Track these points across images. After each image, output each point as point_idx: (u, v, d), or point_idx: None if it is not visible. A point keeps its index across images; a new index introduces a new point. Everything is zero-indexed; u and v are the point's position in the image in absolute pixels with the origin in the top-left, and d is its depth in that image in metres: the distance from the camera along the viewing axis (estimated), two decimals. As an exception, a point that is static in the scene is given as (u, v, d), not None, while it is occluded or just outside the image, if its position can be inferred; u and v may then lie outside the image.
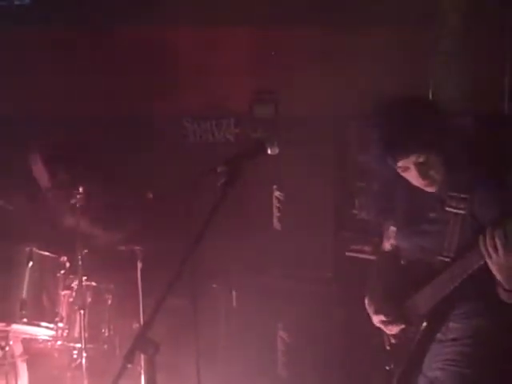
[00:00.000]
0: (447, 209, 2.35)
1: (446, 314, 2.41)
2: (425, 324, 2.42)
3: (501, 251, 2.08)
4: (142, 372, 3.65)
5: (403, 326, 2.48)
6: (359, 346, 3.58)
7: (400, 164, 2.31)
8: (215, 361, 3.91)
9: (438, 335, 2.45)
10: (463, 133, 2.57)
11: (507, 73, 3.71)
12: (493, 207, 2.25)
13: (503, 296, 2.27)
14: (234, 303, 4.11)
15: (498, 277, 2.18)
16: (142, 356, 1.89)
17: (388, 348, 2.57)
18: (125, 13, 4.53)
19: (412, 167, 2.31)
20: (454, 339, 2.43)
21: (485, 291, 2.31)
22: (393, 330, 2.51)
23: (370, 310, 2.57)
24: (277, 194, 4.01)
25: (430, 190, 2.38)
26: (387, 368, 2.54)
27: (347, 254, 3.79)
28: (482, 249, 2.13)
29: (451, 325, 2.43)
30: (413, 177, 2.35)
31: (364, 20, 3.93)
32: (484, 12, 3.69)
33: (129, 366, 1.86)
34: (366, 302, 2.60)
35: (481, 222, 2.26)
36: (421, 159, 2.29)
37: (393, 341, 2.54)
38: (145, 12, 4.45)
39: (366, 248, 3.70)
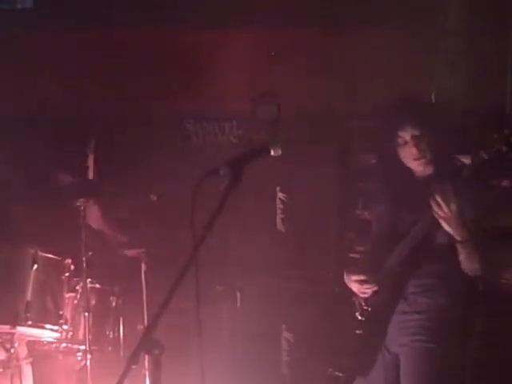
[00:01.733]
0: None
1: (408, 273, 2.64)
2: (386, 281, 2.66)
3: (442, 205, 2.43)
4: (147, 374, 3.66)
5: (376, 288, 2.69)
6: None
7: (400, 134, 2.66)
8: (220, 361, 3.91)
9: (402, 306, 2.65)
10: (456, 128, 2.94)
11: (509, 73, 3.72)
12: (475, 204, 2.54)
13: (464, 260, 2.54)
14: (238, 304, 4.12)
15: (449, 230, 2.49)
16: (147, 357, 1.90)
17: (360, 317, 2.79)
18: (128, 14, 4.55)
19: (409, 140, 2.65)
20: (417, 312, 2.63)
21: (447, 270, 2.60)
22: (367, 290, 2.72)
23: (348, 272, 2.79)
24: (280, 195, 4.02)
25: (420, 170, 2.70)
26: (357, 332, 2.78)
27: (351, 255, 3.80)
28: (434, 210, 2.46)
29: (415, 297, 2.64)
30: (408, 154, 2.68)
31: (365, 21, 3.94)
32: (485, 12, 3.70)
33: (133, 367, 1.87)
34: (344, 273, 2.80)
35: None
36: (416, 132, 2.64)
37: (365, 307, 2.75)
38: (148, 13, 4.47)
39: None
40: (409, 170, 2.74)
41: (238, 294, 4.11)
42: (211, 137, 4.62)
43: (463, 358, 2.66)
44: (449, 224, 2.48)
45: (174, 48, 4.51)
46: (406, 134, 2.67)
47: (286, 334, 3.98)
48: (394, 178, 2.78)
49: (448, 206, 2.43)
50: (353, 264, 2.94)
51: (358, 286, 2.75)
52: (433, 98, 3.92)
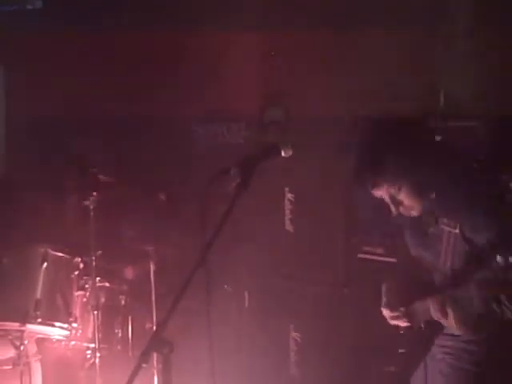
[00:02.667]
0: (441, 226, 2.36)
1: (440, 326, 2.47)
2: (422, 326, 2.51)
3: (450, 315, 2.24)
4: (155, 372, 3.68)
5: (408, 324, 2.55)
6: (370, 347, 3.59)
7: (374, 193, 2.32)
8: (228, 361, 3.92)
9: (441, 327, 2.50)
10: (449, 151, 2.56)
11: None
12: (482, 232, 2.23)
13: None
14: (247, 304, 4.13)
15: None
16: (156, 356, 1.91)
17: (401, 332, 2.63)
18: (137, 16, 4.56)
19: (386, 198, 2.32)
20: (453, 335, 2.48)
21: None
22: (399, 324, 2.58)
23: (382, 300, 2.63)
24: (289, 196, 4.02)
25: (413, 214, 2.39)
26: (400, 351, 2.63)
27: (359, 255, 3.80)
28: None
29: None
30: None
31: (370, 21, 3.93)
32: (492, 12, 3.69)
33: (144, 365, 1.88)
34: (382, 290, 2.64)
35: (473, 243, 2.27)
36: (392, 190, 2.28)
37: (402, 332, 2.62)
38: (159, 15, 4.49)
39: (379, 250, 3.70)
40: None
41: (246, 294, 4.12)
42: (219, 138, 4.63)
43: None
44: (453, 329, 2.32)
45: (183, 49, 4.52)
46: (380, 193, 2.33)
47: (293, 334, 3.98)
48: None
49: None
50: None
51: (389, 319, 2.59)
52: (441, 99, 3.91)
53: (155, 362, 3.52)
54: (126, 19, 4.59)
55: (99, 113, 4.49)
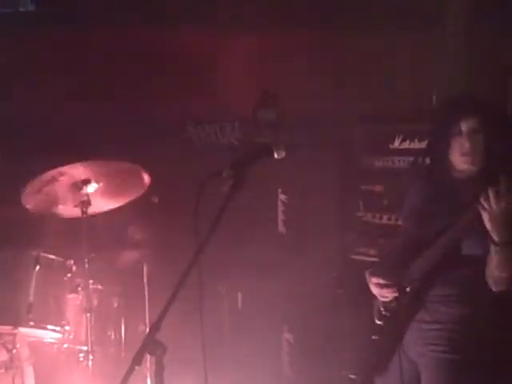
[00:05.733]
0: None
1: (432, 282, 2.55)
2: (408, 289, 2.58)
3: (492, 199, 2.30)
4: (148, 374, 3.67)
5: (396, 294, 2.61)
6: (364, 347, 3.59)
7: (458, 123, 2.56)
8: (221, 362, 3.92)
9: (423, 315, 2.56)
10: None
11: (510, 74, 3.72)
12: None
13: (492, 268, 2.42)
14: (240, 305, 4.13)
15: (490, 228, 2.36)
16: (149, 358, 1.91)
17: (378, 322, 2.71)
18: (128, 15, 4.56)
19: (465, 132, 2.56)
20: (438, 321, 2.54)
21: (472, 281, 2.48)
22: (387, 295, 2.64)
23: (370, 274, 2.70)
24: (282, 197, 4.02)
25: (465, 169, 2.58)
26: (372, 337, 2.71)
27: (352, 256, 3.80)
28: (481, 204, 2.34)
29: (437, 306, 2.55)
30: (459, 146, 2.57)
31: (367, 22, 3.94)
32: (486, 13, 3.71)
33: (137, 367, 1.88)
34: (366, 273, 2.72)
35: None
36: (474, 125, 2.54)
37: (383, 312, 2.67)
38: (149, 14, 4.48)
39: (371, 251, 3.71)
40: (452, 171, 2.64)
41: (240, 295, 4.12)
42: (212, 139, 4.63)
43: (486, 369, 2.53)
44: (493, 221, 2.34)
45: (175, 50, 4.52)
46: (463, 125, 2.57)
47: (287, 335, 3.98)
48: (436, 178, 2.68)
49: (498, 201, 2.30)
50: (375, 266, 2.81)
51: (378, 290, 2.67)
52: (434, 100, 3.93)
53: (148, 364, 3.52)
54: (118, 20, 4.58)
55: (90, 113, 4.48)
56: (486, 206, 2.33)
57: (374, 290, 2.69)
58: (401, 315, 2.63)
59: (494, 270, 2.43)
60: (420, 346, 2.59)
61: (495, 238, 2.37)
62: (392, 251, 2.83)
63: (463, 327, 2.53)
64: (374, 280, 2.67)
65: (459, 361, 2.49)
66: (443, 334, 2.54)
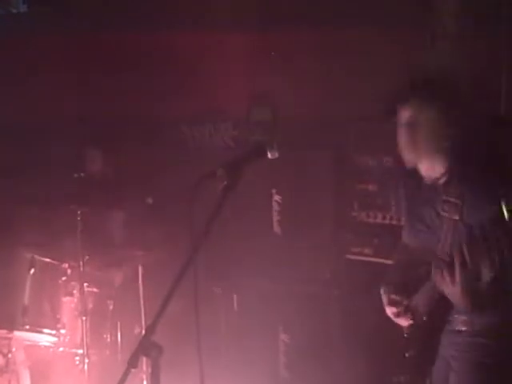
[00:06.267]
0: (441, 213, 2.37)
1: (443, 312, 2.45)
2: (424, 318, 2.48)
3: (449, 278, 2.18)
4: (144, 377, 3.67)
5: (411, 322, 2.51)
6: (358, 347, 3.59)
7: (401, 113, 2.30)
8: (217, 364, 3.92)
9: (446, 326, 2.47)
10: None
11: (503, 72, 3.73)
12: (480, 211, 2.23)
13: None
14: (235, 306, 4.12)
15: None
16: (145, 360, 1.90)
17: (406, 336, 2.58)
18: (123, 17, 4.55)
19: (403, 125, 2.30)
20: (459, 331, 2.45)
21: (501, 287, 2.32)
22: (402, 322, 2.55)
23: (383, 300, 2.61)
24: (276, 197, 4.02)
25: (424, 172, 2.38)
26: (406, 355, 2.56)
27: (347, 256, 3.80)
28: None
29: (457, 317, 2.44)
30: (400, 141, 2.34)
31: (362, 21, 3.94)
32: (479, 12, 3.71)
33: (133, 370, 1.87)
34: (381, 292, 2.62)
35: (469, 225, 2.26)
36: (409, 113, 2.28)
37: (405, 335, 2.57)
38: (143, 16, 4.48)
39: (366, 250, 3.72)
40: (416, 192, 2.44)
41: (235, 296, 4.12)
42: (207, 139, 4.62)
43: None
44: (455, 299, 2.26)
45: (169, 50, 4.52)
46: (401, 116, 2.30)
47: (282, 336, 3.98)
48: (411, 183, 2.46)
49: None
50: (386, 278, 2.65)
51: (394, 318, 2.55)
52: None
53: (144, 366, 3.51)
54: (112, 21, 4.58)
55: (85, 114, 4.48)
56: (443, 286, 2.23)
57: (390, 315, 2.59)
58: (423, 336, 2.52)
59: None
60: (454, 351, 2.49)
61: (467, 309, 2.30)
62: (394, 268, 2.74)
63: (496, 334, 2.41)
64: (389, 310, 2.57)
65: (492, 365, 2.40)
66: (475, 340, 2.42)
